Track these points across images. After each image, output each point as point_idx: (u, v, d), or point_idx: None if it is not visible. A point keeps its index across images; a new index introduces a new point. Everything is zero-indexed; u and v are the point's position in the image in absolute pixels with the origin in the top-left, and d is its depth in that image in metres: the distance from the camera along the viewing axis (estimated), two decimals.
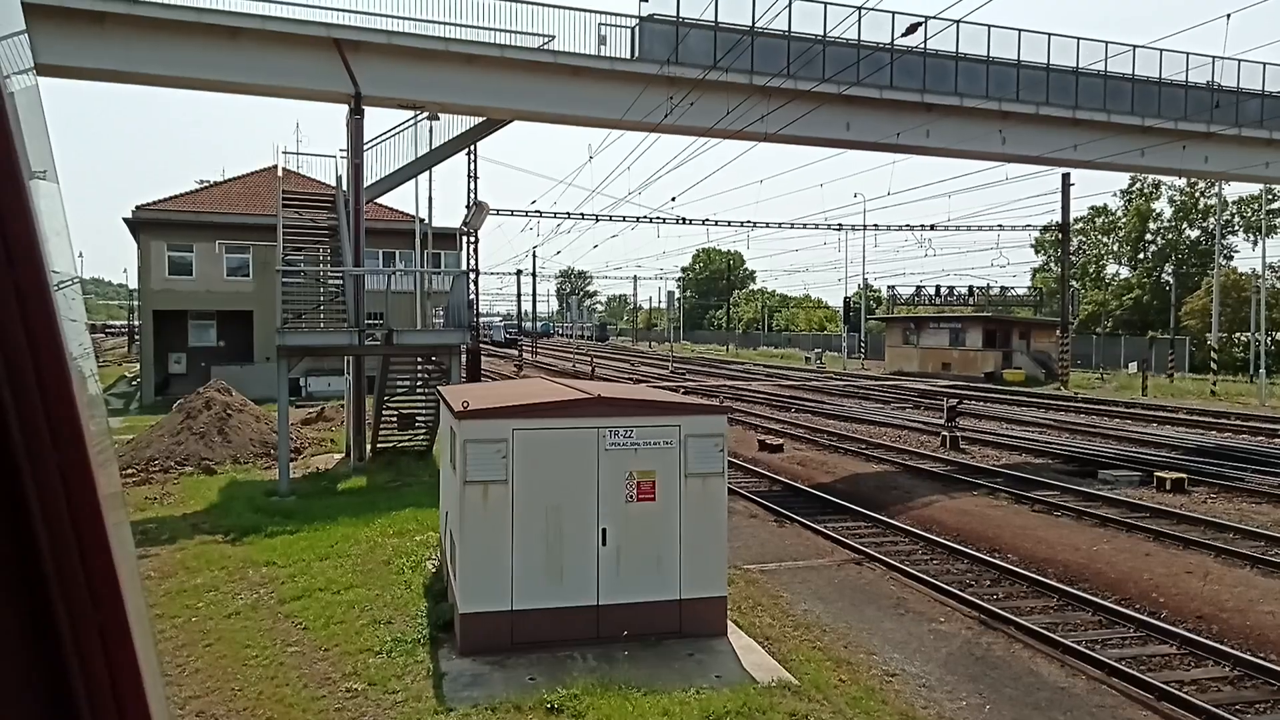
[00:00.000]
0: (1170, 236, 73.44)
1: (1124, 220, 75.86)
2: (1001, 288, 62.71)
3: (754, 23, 22.99)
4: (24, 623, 0.81)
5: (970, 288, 62.03)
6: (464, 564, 8.61)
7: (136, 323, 60.14)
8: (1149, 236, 74.43)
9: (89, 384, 0.95)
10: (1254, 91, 29.47)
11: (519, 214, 49.07)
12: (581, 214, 48.30)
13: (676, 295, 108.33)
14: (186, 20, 19.42)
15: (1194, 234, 72.55)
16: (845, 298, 73.67)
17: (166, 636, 9.42)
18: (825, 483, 19.31)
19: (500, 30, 22.13)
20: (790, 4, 22.96)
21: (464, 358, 20.45)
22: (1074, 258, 67.61)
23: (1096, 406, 34.14)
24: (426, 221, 27.63)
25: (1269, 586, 11.46)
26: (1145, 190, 73.07)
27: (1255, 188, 56.53)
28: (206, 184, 42.59)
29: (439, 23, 21.69)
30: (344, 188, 21.32)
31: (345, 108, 20.79)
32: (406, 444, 21.25)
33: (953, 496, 17.57)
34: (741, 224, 53.66)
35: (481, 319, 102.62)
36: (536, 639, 8.53)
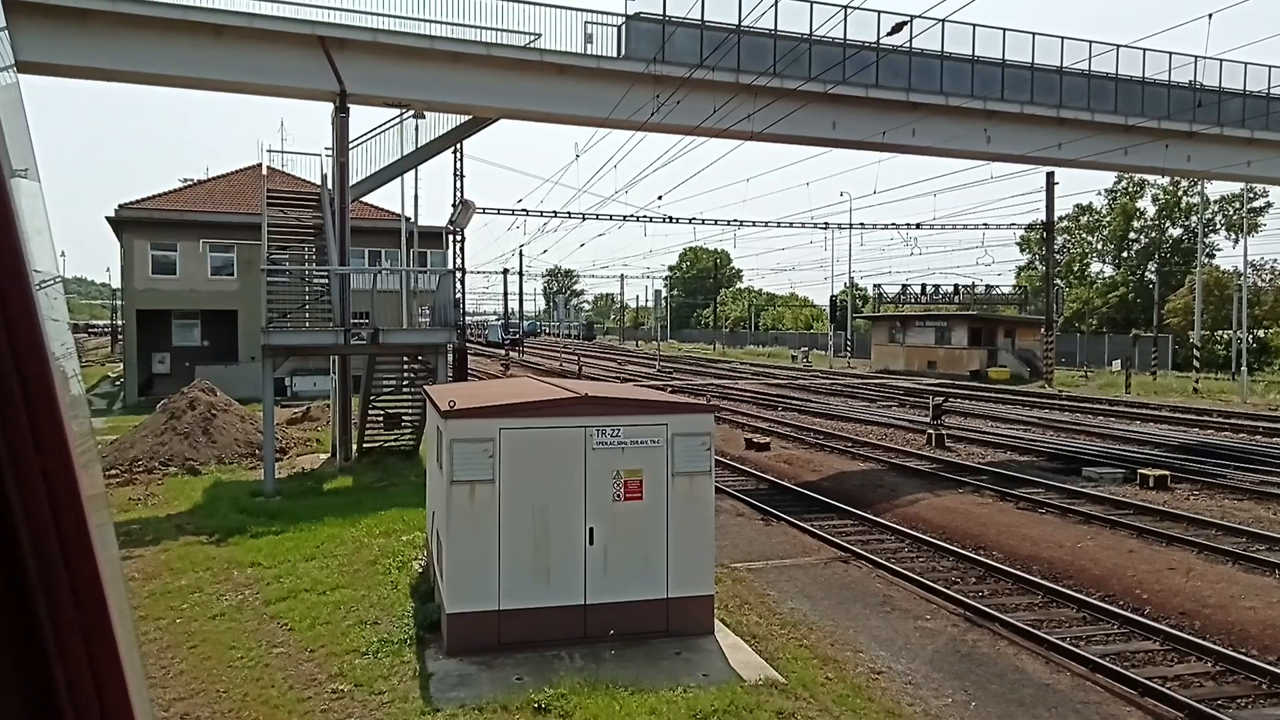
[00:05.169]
0: (1154, 235, 74.02)
1: (1108, 219, 76.41)
2: (987, 286, 63.06)
3: (740, 21, 23.00)
4: (6, 624, 0.80)
5: (956, 286, 62.35)
6: (451, 564, 8.59)
7: (120, 322, 59.70)
8: (1133, 235, 75.01)
9: (72, 384, 0.94)
10: (1236, 91, 29.70)
11: (505, 212, 49.08)
12: (568, 212, 48.33)
13: (663, 294, 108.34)
14: (170, 18, 19.26)
15: (1177, 232, 73.16)
16: (832, 296, 74.01)
17: (150, 638, 9.36)
18: (812, 481, 19.36)
19: (487, 29, 22.08)
20: (776, 3, 22.99)
21: (451, 357, 20.39)
22: (1059, 256, 68.03)
23: (1080, 404, 34.37)
24: (412, 220, 27.53)
25: (1250, 582, 11.56)
26: (1130, 189, 73.62)
27: (1237, 186, 56.99)
28: (190, 182, 42.32)
29: (425, 21, 21.62)
30: (329, 186, 21.23)
31: (330, 106, 20.69)
32: (393, 444, 21.19)
33: (938, 494, 17.65)
34: (728, 223, 53.82)
35: (475, 318, 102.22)
36: (524, 639, 8.52)
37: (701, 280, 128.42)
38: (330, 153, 21.19)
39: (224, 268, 37.67)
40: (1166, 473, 18.40)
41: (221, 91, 21.92)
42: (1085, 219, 78.40)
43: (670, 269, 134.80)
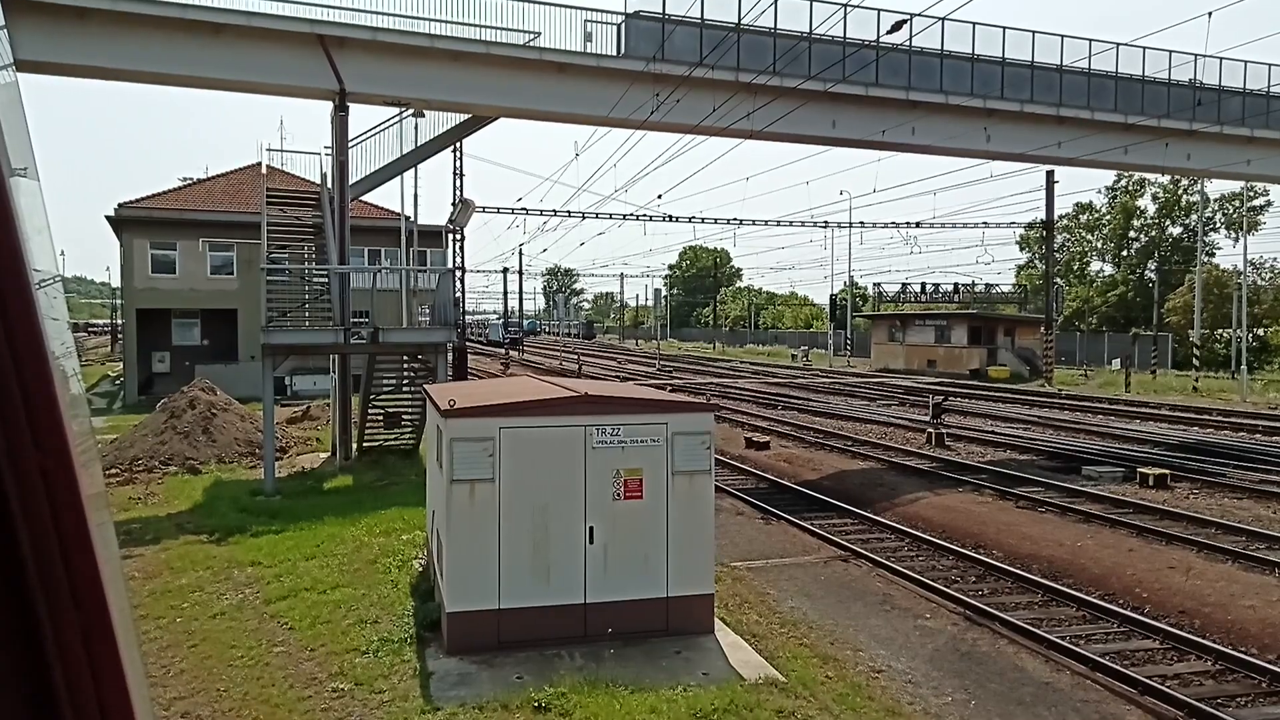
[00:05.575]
0: (1153, 233, 74.00)
1: (1108, 217, 76.37)
2: (986, 285, 63.10)
3: (740, 20, 22.99)
4: (6, 624, 0.80)
5: (955, 285, 62.39)
6: (451, 563, 8.59)
7: (119, 321, 59.70)
8: (1132, 233, 74.98)
9: (71, 383, 0.94)
10: (1235, 89, 29.68)
11: (505, 211, 49.10)
12: (568, 211, 48.42)
13: (663, 293, 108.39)
14: (170, 16, 19.26)
15: (1177, 231, 73.13)
16: (831, 295, 74.01)
17: (151, 637, 9.36)
18: (812, 480, 19.36)
19: (486, 27, 22.07)
20: (776, 1, 22.98)
21: (450, 356, 20.39)
22: (1058, 255, 68.01)
23: (1080, 403, 34.35)
24: (412, 219, 27.54)
25: (1250, 581, 11.56)
26: (1130, 187, 73.57)
27: (1237, 185, 56.99)
28: (190, 181, 42.32)
29: (425, 19, 21.61)
30: (329, 185, 21.23)
31: (330, 104, 20.68)
32: (393, 443, 21.19)
33: (938, 493, 17.65)
34: (728, 221, 53.83)
35: (475, 317, 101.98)
36: (524, 638, 8.52)
37: (701, 279, 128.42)
38: (330, 151, 21.19)
39: (223, 266, 37.68)
40: (1166, 471, 18.40)
41: (221, 90, 21.94)
42: (1085, 217, 78.34)
43: (670, 268, 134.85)
